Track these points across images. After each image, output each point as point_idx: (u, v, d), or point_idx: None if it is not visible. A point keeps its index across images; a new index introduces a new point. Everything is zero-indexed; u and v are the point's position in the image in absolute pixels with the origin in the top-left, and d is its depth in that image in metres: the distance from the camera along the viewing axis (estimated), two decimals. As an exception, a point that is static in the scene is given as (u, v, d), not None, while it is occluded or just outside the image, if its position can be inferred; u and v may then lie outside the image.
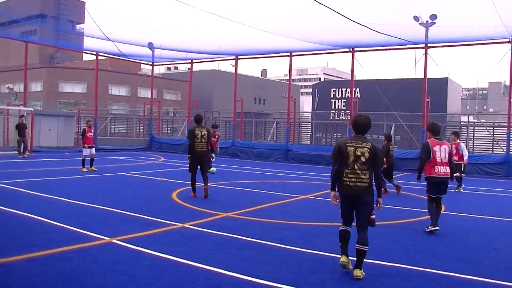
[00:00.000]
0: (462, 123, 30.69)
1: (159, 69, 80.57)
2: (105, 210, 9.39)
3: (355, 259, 5.64)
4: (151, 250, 6.47)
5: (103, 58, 45.23)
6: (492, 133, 25.07)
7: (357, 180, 5.71)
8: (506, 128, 21.61)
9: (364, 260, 5.72)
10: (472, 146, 26.12)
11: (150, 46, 28.10)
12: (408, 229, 8.71)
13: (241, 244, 7.04)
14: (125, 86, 59.20)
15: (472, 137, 26.32)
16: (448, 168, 8.38)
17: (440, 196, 8.48)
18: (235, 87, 28.29)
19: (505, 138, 21.12)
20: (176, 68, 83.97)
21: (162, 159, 24.05)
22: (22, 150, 21.57)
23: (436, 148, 8.38)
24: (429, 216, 8.36)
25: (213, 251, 6.59)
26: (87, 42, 28.86)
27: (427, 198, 8.55)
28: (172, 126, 41.32)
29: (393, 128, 27.02)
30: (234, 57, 28.29)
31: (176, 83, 63.67)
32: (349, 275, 5.65)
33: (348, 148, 5.79)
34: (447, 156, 8.39)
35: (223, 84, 60.49)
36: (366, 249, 5.64)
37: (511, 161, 19.94)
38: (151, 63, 32.63)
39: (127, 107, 54.35)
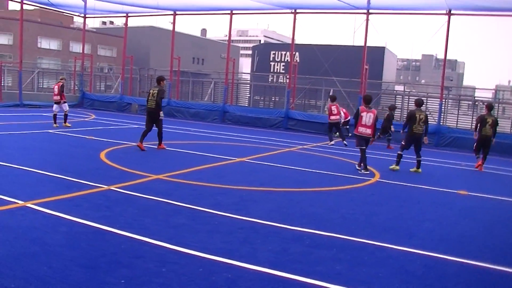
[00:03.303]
0: (397, 91, 31.20)
1: (94, 23, 77.06)
2: (23, 170, 8.58)
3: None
4: (71, 215, 5.88)
5: (31, 9, 42.50)
6: (425, 103, 25.59)
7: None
8: (438, 99, 22.07)
9: (300, 229, 5.63)
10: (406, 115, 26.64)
11: (82, -5, 26.32)
12: (344, 196, 8.55)
13: (171, 210, 6.58)
14: (56, 40, 56.01)
15: (407, 106, 26.79)
16: (369, 129, 11.14)
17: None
18: (172, 43, 27.20)
19: (437, 109, 21.58)
20: (111, 23, 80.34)
21: (94, 116, 22.91)
22: None
23: (364, 114, 11.13)
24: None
25: (139, 217, 6.09)
26: (13, -10, 26.67)
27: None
28: (106, 83, 39.53)
29: (331, 93, 27.03)
30: (172, 12, 27.10)
31: (111, 38, 60.92)
32: (282, 246, 5.35)
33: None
34: (371, 121, 11.10)
35: (160, 41, 58.55)
36: None
37: (442, 131, 20.47)
38: (83, 15, 30.71)
39: (58, 61, 51.50)
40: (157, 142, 12.69)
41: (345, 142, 17.11)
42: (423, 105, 15.09)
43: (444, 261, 5.29)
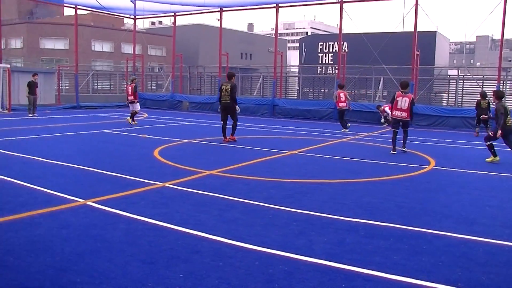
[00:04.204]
0: (450, 76, 30.27)
1: (143, 24, 78.82)
2: (81, 169, 8.91)
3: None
4: (129, 212, 6.05)
5: (85, 13, 43.88)
6: (481, 86, 24.69)
7: None
8: (495, 82, 21.24)
9: (355, 220, 5.70)
10: (461, 100, 25.82)
11: (131, -2, 27.00)
12: (399, 185, 8.37)
13: (225, 204, 6.64)
14: (109, 42, 57.81)
15: (461, 90, 25.95)
16: (404, 113, 11.92)
17: (403, 129, 12.17)
18: (220, 40, 27.45)
19: (495, 91, 20.75)
20: (160, 22, 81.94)
21: (146, 115, 23.46)
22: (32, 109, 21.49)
23: (399, 98, 11.93)
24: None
25: (194, 212, 6.19)
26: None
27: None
28: (157, 82, 40.40)
29: (381, 82, 26.54)
30: (219, 9, 27.33)
31: (160, 38, 62.15)
32: (338, 237, 5.30)
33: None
34: (406, 105, 11.84)
35: (208, 38, 59.25)
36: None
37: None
38: (133, 17, 31.48)
39: (111, 63, 53.07)
40: (222, 137, 13.56)
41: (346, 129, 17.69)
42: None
43: (509, 248, 5.10)
